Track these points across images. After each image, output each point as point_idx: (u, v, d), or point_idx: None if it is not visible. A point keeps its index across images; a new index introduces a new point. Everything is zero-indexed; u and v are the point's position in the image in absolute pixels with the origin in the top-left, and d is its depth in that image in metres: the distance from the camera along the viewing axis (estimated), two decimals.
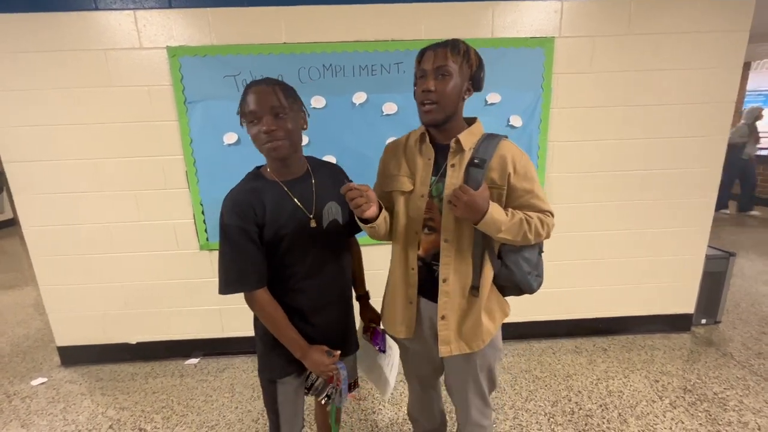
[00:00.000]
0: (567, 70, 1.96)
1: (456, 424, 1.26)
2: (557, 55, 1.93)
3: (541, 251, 1.10)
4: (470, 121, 1.05)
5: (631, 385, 1.94)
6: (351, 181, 1.12)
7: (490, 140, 1.01)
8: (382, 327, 1.24)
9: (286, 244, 0.99)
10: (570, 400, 1.85)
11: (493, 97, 1.96)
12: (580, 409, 1.80)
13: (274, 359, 1.08)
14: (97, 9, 1.78)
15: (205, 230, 2.07)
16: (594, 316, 2.36)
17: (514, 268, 1.05)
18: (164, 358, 2.27)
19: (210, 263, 2.13)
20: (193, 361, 2.25)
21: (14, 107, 1.86)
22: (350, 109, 1.94)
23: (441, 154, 1.03)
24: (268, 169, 1.02)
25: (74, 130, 1.91)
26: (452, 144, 1.01)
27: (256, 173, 1.04)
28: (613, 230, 2.20)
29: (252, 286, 0.98)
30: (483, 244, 1.03)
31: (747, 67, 6.35)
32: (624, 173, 2.12)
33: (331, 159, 1.99)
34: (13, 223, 5.97)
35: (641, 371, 2.05)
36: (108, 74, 1.85)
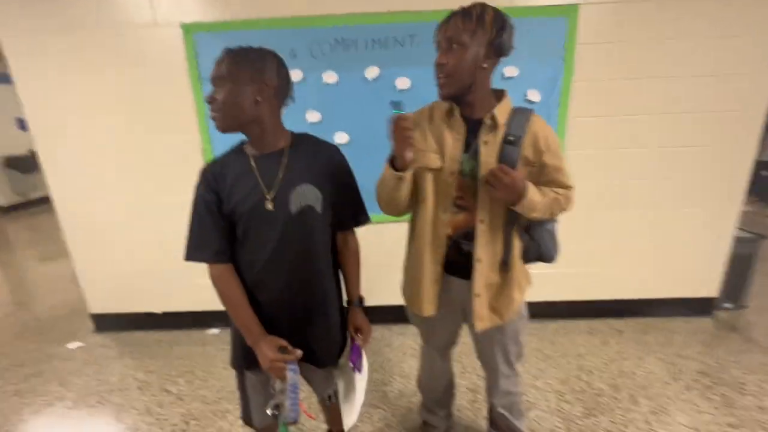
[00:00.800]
0: (592, 40, 1.85)
1: (487, 392, 1.32)
2: (581, 24, 1.82)
3: (556, 221, 1.13)
4: (498, 95, 1.00)
5: (644, 367, 1.92)
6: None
7: (521, 115, 0.98)
8: (362, 343, 1.10)
9: (243, 225, 0.93)
10: (580, 379, 1.85)
11: (510, 71, 1.89)
12: (591, 387, 1.80)
13: (237, 348, 1.02)
14: None
15: None
16: (610, 298, 2.31)
17: (540, 241, 1.09)
18: (187, 328, 2.39)
19: None
20: (214, 331, 2.37)
21: (38, 87, 1.94)
22: (362, 84, 1.91)
23: (470, 129, 0.99)
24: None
25: (94, 107, 1.97)
26: (487, 120, 0.96)
27: (239, 145, 0.99)
28: (635, 210, 2.12)
29: (208, 257, 0.94)
30: (513, 221, 1.03)
31: None
32: (649, 150, 2.02)
33: (343, 136, 1.98)
34: (48, 200, 6.31)
35: (657, 353, 2.01)
36: (125, 52, 1.89)
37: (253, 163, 0.93)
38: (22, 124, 5.92)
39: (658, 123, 1.97)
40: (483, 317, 1.08)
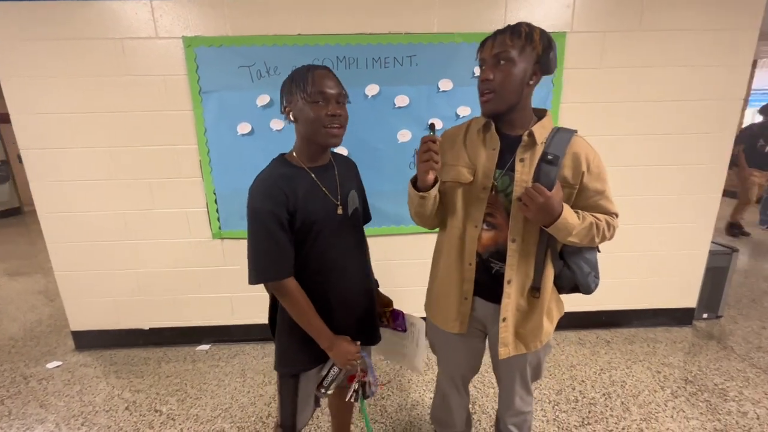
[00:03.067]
0: (577, 65, 1.98)
1: (499, 405, 1.27)
2: (568, 50, 1.95)
3: (598, 251, 1.08)
4: (540, 113, 0.99)
5: (633, 376, 1.99)
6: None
7: (563, 135, 0.95)
8: (396, 309, 1.26)
9: (316, 231, 0.99)
10: (574, 389, 1.90)
11: None
12: (584, 397, 1.85)
13: (297, 352, 1.07)
14: None
15: (218, 219, 2.11)
16: (598, 309, 2.40)
17: (576, 270, 1.03)
18: (176, 344, 2.32)
19: (222, 251, 2.17)
20: (205, 347, 2.30)
21: (31, 95, 1.89)
22: (362, 100, 1.96)
23: (507, 145, 0.97)
24: (294, 155, 1.01)
25: (90, 118, 1.94)
26: (525, 137, 0.94)
27: (282, 160, 1.02)
28: (619, 225, 2.22)
29: (283, 274, 0.96)
30: (547, 244, 1.00)
31: (753, 65, 6.34)
32: (630, 168, 2.15)
33: (342, 150, 2.01)
34: (19, 211, 6.02)
35: (643, 362, 2.10)
36: (125, 63, 1.87)
37: (314, 176, 1.00)
38: None
39: (638, 143, 2.11)
40: (507, 344, 1.04)
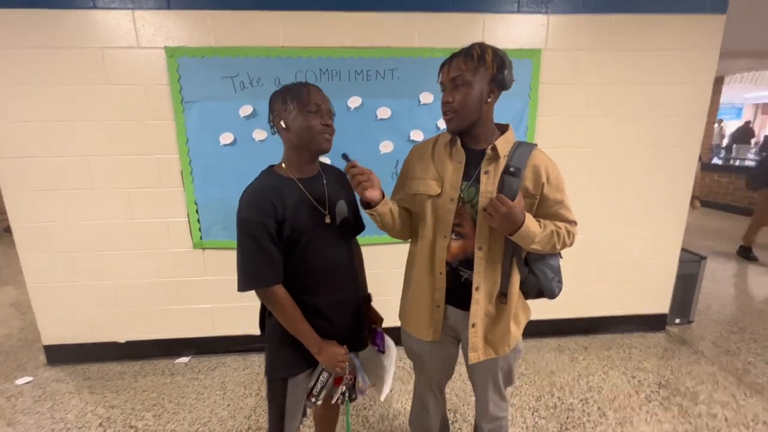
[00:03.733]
0: (552, 81, 2.06)
1: (476, 412, 1.29)
2: (543, 66, 2.03)
3: (560, 257, 1.13)
4: (502, 128, 1.05)
5: (610, 381, 2.04)
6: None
7: (524, 148, 1.01)
8: (381, 328, 1.28)
9: (305, 241, 1.02)
10: (553, 395, 1.94)
11: None
12: (562, 403, 1.88)
13: (286, 357, 1.09)
14: (95, 8, 1.79)
15: (199, 229, 2.09)
16: (576, 316, 2.46)
17: (540, 275, 1.08)
18: (154, 357, 2.26)
19: (203, 261, 2.15)
20: (184, 359, 2.25)
21: (8, 102, 1.85)
22: (345, 112, 1.99)
23: (472, 158, 1.02)
24: (284, 166, 1.05)
25: (68, 126, 1.91)
26: (488, 151, 1.00)
27: (271, 171, 1.06)
28: (592, 233, 2.31)
29: (271, 282, 1.00)
30: (513, 252, 1.04)
31: (720, 81, 6.68)
32: (603, 178, 2.23)
33: (325, 160, 2.03)
34: None
35: (619, 368, 2.16)
36: (105, 72, 1.86)
37: (301, 186, 1.04)
38: None
39: (611, 155, 2.20)
40: (477, 348, 1.09)
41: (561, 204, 1.03)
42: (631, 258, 2.38)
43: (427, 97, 2.00)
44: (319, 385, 1.11)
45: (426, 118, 2.03)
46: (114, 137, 1.94)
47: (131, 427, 1.75)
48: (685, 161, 2.25)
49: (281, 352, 1.10)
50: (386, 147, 2.05)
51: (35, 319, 2.16)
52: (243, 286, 1.00)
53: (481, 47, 0.94)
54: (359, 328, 1.21)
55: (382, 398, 1.27)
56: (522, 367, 2.16)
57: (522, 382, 2.04)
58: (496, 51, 0.95)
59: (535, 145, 1.04)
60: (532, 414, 1.81)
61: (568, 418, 1.79)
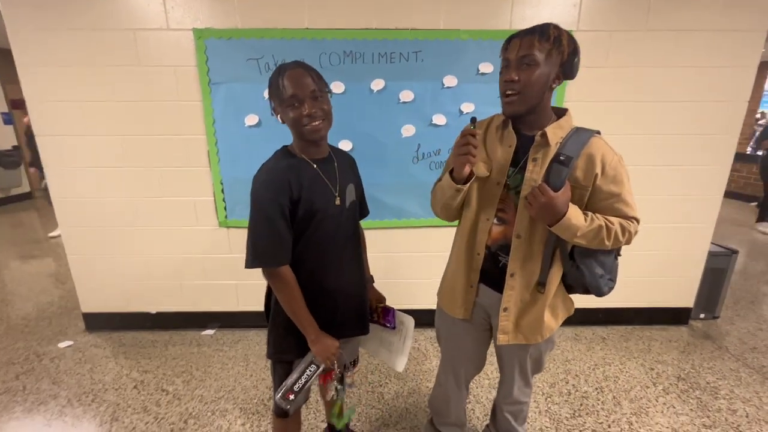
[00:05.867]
0: (583, 64, 1.97)
1: (498, 391, 1.31)
2: None
3: (618, 255, 1.07)
4: (559, 112, 0.99)
5: (626, 372, 2.03)
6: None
7: (580, 135, 0.95)
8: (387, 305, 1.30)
9: (318, 221, 1.02)
10: (567, 383, 1.94)
11: None
12: (577, 390, 1.89)
13: (291, 341, 1.09)
14: None
15: (225, 208, 2.16)
16: (595, 306, 2.42)
17: (586, 271, 1.02)
18: (182, 328, 2.39)
19: (227, 240, 2.23)
20: (209, 331, 2.38)
21: (46, 83, 1.95)
22: (368, 95, 1.99)
23: (523, 144, 0.98)
24: (296, 149, 1.05)
25: (103, 106, 1.99)
26: (537, 137, 0.95)
27: (286, 151, 1.06)
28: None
29: (279, 261, 0.99)
30: (555, 243, 1.00)
31: (765, 66, 6.23)
32: (633, 167, 2.14)
33: (347, 144, 2.05)
34: (30, 196, 6.14)
35: (637, 359, 2.13)
36: (137, 54, 1.92)
37: (316, 167, 1.04)
38: (5, 119, 5.77)
39: (641, 143, 2.12)
40: (507, 332, 1.08)
41: (617, 197, 0.96)
42: (657, 250, 2.31)
43: (450, 81, 1.97)
44: (303, 379, 1.06)
45: (449, 101, 2.01)
46: (144, 118, 2.01)
47: (163, 390, 1.88)
48: (722, 151, 2.14)
49: (289, 336, 1.09)
50: (408, 131, 2.04)
51: (74, 288, 2.31)
52: (251, 263, 0.98)
53: (557, 29, 0.88)
54: (365, 311, 1.21)
55: (400, 370, 1.29)
56: None
57: None
58: (571, 36, 0.90)
59: (596, 132, 0.97)
60: (546, 399, 1.83)
61: (581, 405, 1.80)
